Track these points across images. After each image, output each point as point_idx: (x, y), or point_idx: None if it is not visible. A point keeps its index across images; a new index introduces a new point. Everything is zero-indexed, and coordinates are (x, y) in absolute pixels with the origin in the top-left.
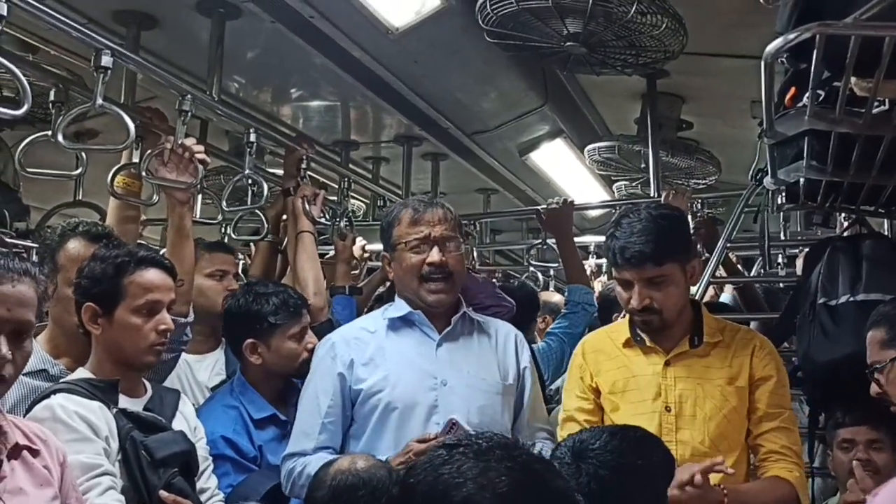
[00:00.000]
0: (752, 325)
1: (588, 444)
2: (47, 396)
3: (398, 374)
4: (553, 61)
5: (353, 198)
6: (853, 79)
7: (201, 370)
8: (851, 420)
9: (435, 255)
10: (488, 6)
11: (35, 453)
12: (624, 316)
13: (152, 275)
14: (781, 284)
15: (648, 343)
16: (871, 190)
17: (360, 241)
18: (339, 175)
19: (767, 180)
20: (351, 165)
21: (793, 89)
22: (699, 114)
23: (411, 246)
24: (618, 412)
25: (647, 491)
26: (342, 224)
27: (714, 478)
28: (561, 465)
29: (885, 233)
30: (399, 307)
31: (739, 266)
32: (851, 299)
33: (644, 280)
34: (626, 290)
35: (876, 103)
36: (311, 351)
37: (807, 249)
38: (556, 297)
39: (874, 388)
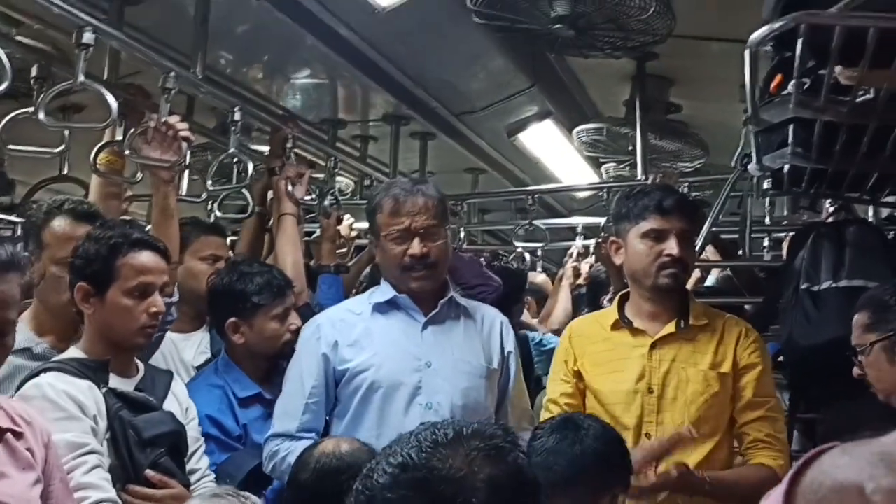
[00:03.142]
0: (746, 308)
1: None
2: (37, 375)
3: (383, 355)
4: (541, 43)
5: (341, 175)
6: (838, 67)
7: (187, 349)
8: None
9: (416, 246)
10: None
11: (19, 436)
12: (611, 300)
13: (146, 257)
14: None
15: (636, 325)
16: (855, 176)
17: (347, 219)
18: (326, 154)
19: (752, 166)
20: (338, 144)
21: (778, 77)
22: (688, 96)
23: (392, 237)
24: (601, 393)
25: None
26: (327, 202)
27: (693, 460)
28: None
29: (870, 219)
30: (385, 291)
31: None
32: (834, 285)
33: (683, 232)
34: (659, 241)
35: (861, 91)
36: (295, 332)
37: (792, 234)
38: (540, 279)
39: (855, 370)
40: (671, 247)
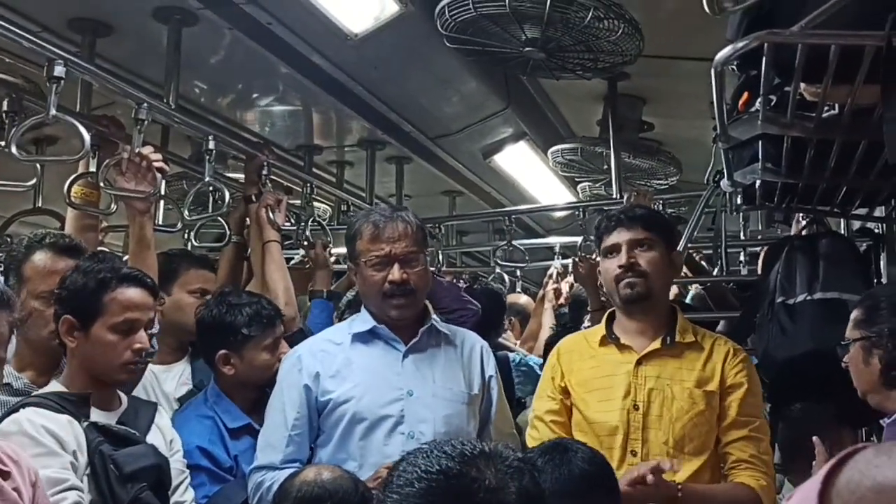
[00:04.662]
0: (720, 323)
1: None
2: (16, 410)
3: (365, 385)
4: (513, 66)
5: (319, 201)
6: (802, 84)
7: (168, 380)
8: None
9: (396, 273)
10: (447, 12)
11: (6, 475)
12: (591, 318)
13: (133, 293)
14: (733, 285)
15: (623, 341)
16: (825, 190)
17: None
18: (302, 180)
19: (724, 183)
20: (315, 170)
21: (745, 94)
22: (660, 115)
23: (372, 263)
24: (588, 410)
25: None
26: (308, 232)
27: (678, 479)
28: None
29: (842, 231)
30: (364, 320)
31: (704, 264)
32: (809, 298)
33: (631, 241)
34: (614, 255)
35: (826, 107)
36: None
37: (766, 248)
38: (523, 300)
39: (844, 362)
40: (621, 257)
